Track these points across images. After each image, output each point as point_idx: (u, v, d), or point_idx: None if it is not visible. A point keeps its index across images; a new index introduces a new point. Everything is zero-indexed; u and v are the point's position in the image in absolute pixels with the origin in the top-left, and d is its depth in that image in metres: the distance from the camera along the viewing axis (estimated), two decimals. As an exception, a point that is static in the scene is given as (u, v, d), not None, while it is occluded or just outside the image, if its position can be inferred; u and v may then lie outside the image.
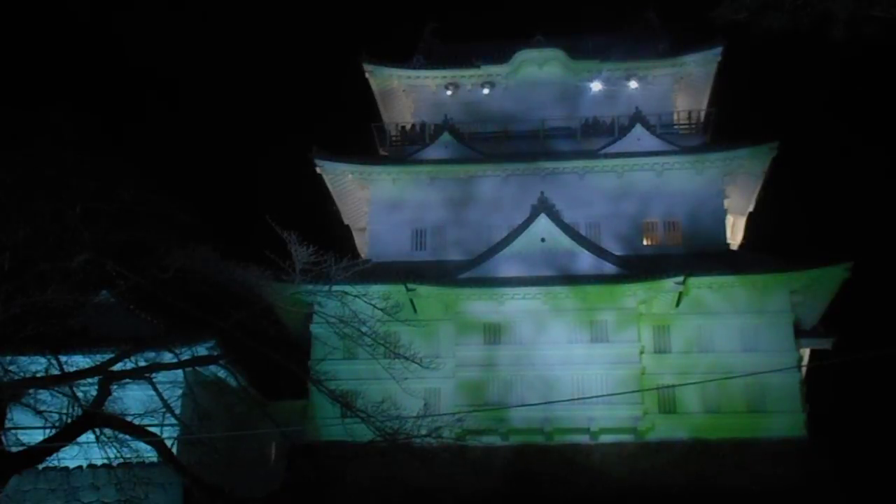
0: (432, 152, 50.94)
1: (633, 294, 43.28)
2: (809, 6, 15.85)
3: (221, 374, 35.13)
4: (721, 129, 52.26)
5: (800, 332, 44.13)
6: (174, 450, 29.69)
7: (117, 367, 25.38)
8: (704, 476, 40.49)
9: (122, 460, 25.97)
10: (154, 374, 25.68)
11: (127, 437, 25.19)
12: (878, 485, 48.46)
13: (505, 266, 44.72)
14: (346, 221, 53.63)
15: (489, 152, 51.16)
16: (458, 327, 43.90)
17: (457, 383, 42.92)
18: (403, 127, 54.35)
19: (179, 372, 27.65)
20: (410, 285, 42.87)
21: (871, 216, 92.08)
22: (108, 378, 24.93)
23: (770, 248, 47.46)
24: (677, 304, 43.42)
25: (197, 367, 31.61)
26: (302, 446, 38.16)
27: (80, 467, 36.05)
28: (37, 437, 24.99)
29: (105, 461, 27.01)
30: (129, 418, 25.61)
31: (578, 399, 40.03)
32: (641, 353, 42.95)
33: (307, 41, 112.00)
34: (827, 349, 44.90)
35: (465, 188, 49.96)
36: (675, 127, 52.35)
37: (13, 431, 24.86)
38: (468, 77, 53.98)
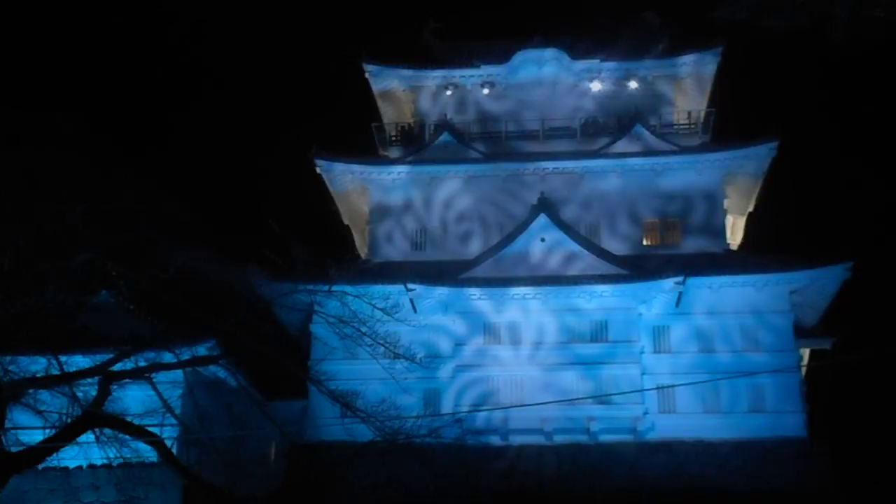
0: (432, 152, 50.94)
1: (632, 294, 43.29)
2: (809, 6, 15.85)
3: (221, 374, 35.09)
4: (721, 129, 52.30)
5: (800, 332, 44.16)
6: (174, 450, 29.68)
7: (117, 367, 25.36)
8: (704, 476, 40.52)
9: (122, 460, 25.93)
10: (154, 374, 25.65)
11: (127, 437, 25.16)
12: (877, 485, 48.47)
13: (505, 266, 44.75)
14: (346, 221, 53.65)
15: (489, 152, 51.18)
16: (458, 327, 43.91)
17: (457, 383, 42.93)
18: (403, 127, 54.35)
19: (179, 372, 27.58)
20: (410, 285, 42.89)
21: (871, 216, 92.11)
22: (107, 378, 24.91)
23: (770, 248, 47.51)
24: (677, 304, 43.43)
25: (197, 367, 31.56)
26: (302, 446, 38.11)
27: (80, 467, 36.03)
28: (37, 437, 24.95)
29: (105, 461, 26.96)
30: (129, 418, 25.57)
31: (578, 399, 40.09)
32: (641, 353, 42.97)
33: (307, 41, 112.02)
34: (827, 349, 44.96)
35: (465, 188, 49.97)
36: (675, 127, 52.33)
37: (13, 431, 24.84)
38: (468, 77, 53.95)
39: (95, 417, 24.40)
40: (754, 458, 40.81)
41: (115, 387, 25.16)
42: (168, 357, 26.83)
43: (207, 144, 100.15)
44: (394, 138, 53.97)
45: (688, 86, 53.61)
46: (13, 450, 24.28)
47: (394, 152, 53.07)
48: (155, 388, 25.43)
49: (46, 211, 23.09)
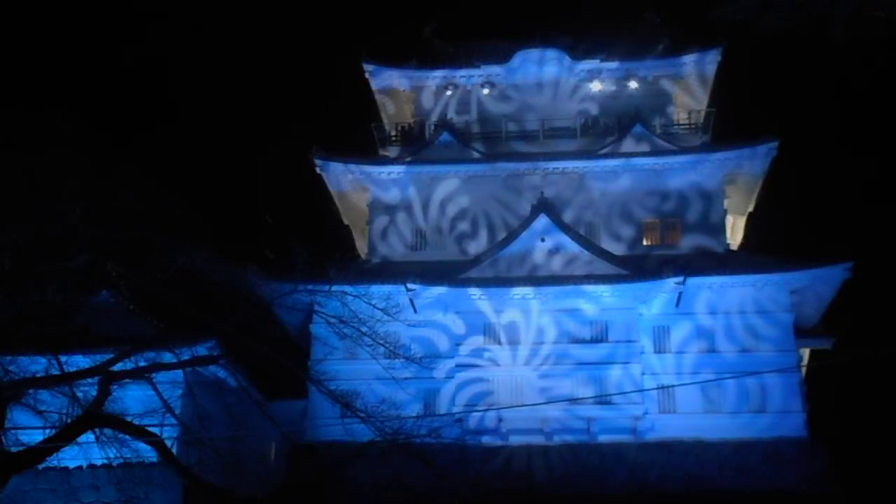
0: (432, 152, 50.92)
1: (632, 294, 43.27)
2: (809, 6, 15.84)
3: (221, 374, 35.08)
4: (721, 129, 52.26)
5: (800, 332, 44.15)
6: (174, 450, 29.68)
7: (117, 367, 25.38)
8: (704, 476, 40.51)
9: (122, 460, 25.95)
10: (154, 374, 25.67)
11: (127, 437, 25.18)
12: (878, 485, 48.45)
13: (505, 266, 44.74)
14: (346, 221, 53.62)
15: (489, 152, 51.17)
16: (458, 327, 43.90)
17: (457, 383, 42.92)
18: (403, 127, 54.32)
19: (179, 372, 27.62)
20: (410, 285, 42.86)
21: (872, 216, 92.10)
22: (108, 378, 24.92)
23: (770, 248, 47.48)
24: (677, 304, 43.42)
25: (197, 367, 31.58)
26: (302, 446, 38.14)
27: (80, 467, 36.00)
28: (37, 437, 24.97)
29: (105, 461, 26.99)
30: (129, 418, 25.59)
31: (578, 399, 40.08)
32: (642, 353, 42.97)
33: (307, 41, 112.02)
34: (827, 349, 44.97)
35: (465, 188, 49.95)
36: (675, 127, 52.29)
37: (13, 431, 24.85)
38: (468, 77, 53.93)
39: (95, 417, 24.42)
40: (754, 458, 40.78)
41: (115, 387, 25.17)
42: (168, 357, 26.88)
43: (207, 144, 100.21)
44: (394, 138, 53.94)
45: (688, 86, 53.57)
46: (13, 450, 24.29)
47: (394, 152, 53.03)
48: (155, 388, 25.45)
49: (46, 211, 23.11)
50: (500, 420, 41.79)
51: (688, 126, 52.45)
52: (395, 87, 54.79)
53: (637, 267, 44.19)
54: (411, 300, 43.17)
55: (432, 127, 52.81)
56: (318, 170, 50.23)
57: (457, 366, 43.14)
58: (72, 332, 26.36)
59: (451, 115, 52.65)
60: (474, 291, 43.80)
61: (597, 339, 43.18)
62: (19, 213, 22.89)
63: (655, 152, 49.21)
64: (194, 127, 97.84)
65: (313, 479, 34.43)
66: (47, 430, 24.85)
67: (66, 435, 24.24)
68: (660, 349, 43.58)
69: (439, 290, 43.64)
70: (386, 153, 53.26)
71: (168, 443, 26.97)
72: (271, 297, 29.84)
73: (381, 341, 26.53)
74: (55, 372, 25.41)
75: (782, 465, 40.42)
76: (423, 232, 49.80)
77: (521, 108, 53.07)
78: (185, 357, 27.40)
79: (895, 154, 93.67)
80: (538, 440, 41.98)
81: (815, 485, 39.61)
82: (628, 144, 49.88)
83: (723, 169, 48.89)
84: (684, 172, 48.91)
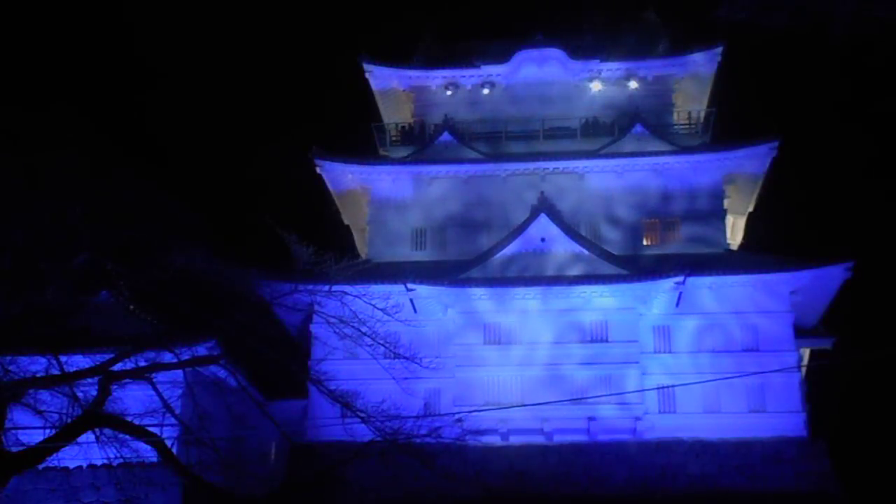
0: (432, 152, 50.94)
1: (633, 294, 43.27)
2: (809, 6, 15.85)
3: (221, 374, 35.05)
4: (721, 129, 52.31)
5: (800, 332, 44.18)
6: (174, 450, 29.66)
7: (117, 367, 25.33)
8: (704, 476, 40.53)
9: (122, 460, 25.93)
10: (154, 374, 25.64)
11: (127, 437, 25.16)
12: (877, 485, 48.48)
13: (505, 266, 44.77)
14: (346, 221, 53.65)
15: (489, 152, 51.18)
16: (458, 327, 43.90)
17: (457, 383, 42.93)
18: (403, 127, 54.35)
19: (179, 372, 27.56)
20: (410, 285, 42.89)
21: (872, 216, 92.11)
22: (108, 378, 24.90)
23: (770, 248, 47.52)
24: (677, 304, 43.42)
25: (197, 367, 31.54)
26: (302, 446, 38.13)
27: (80, 467, 36.03)
28: (37, 437, 24.95)
29: (105, 461, 26.97)
30: (129, 418, 25.55)
31: (578, 399, 40.09)
32: (642, 353, 42.95)
33: (307, 41, 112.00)
34: (827, 349, 44.98)
35: (465, 188, 49.97)
36: (675, 127, 52.35)
37: (13, 431, 24.83)
38: (468, 77, 53.95)
39: (95, 417, 24.39)
40: (754, 458, 40.83)
41: (115, 387, 25.15)
42: (168, 357, 26.82)
43: (207, 144, 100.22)
44: (394, 138, 53.97)
45: (688, 85, 53.61)
46: (13, 450, 24.28)
47: (394, 152, 53.07)
48: (155, 388, 25.41)
49: (46, 211, 23.10)
50: (500, 420, 41.79)
51: (688, 126, 52.50)
52: (395, 87, 54.81)
53: (637, 267, 44.22)
54: (411, 300, 43.18)
55: (432, 127, 52.82)
56: (317, 170, 50.26)
57: (457, 366, 43.14)
58: (72, 332, 26.30)
59: (451, 115, 52.63)
60: (474, 291, 43.81)
61: (597, 339, 43.19)
62: (19, 213, 22.88)
63: (655, 152, 49.22)
64: (195, 127, 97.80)
65: (313, 479, 34.36)
66: (47, 430, 24.82)
67: (66, 435, 24.21)
68: (660, 349, 43.62)
69: (440, 290, 43.66)
70: (386, 153, 53.28)
71: (168, 443, 26.91)
72: (271, 297, 29.80)
73: (381, 341, 26.50)
74: (55, 372, 25.37)
75: (782, 465, 40.46)
76: (423, 232, 49.80)
77: (521, 108, 53.08)
78: (185, 357, 27.33)
79: (895, 153, 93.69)
80: (538, 440, 42.01)
81: (815, 485, 39.65)
82: (628, 144, 49.91)
83: (723, 169, 48.93)
84: (684, 172, 48.95)
